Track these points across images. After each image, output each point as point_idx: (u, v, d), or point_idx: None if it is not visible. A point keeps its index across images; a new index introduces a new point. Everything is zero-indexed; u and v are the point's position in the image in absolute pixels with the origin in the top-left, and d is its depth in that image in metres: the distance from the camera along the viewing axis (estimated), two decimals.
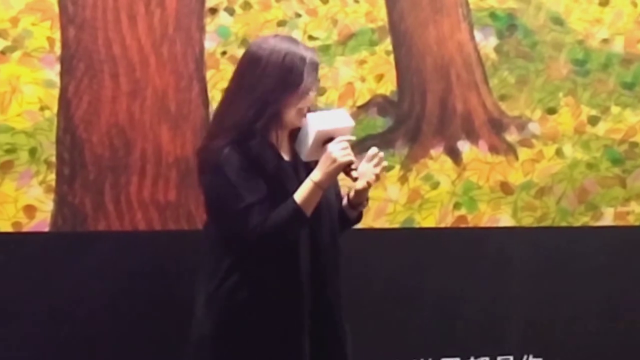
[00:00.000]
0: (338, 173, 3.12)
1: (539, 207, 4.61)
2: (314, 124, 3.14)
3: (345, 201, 3.37)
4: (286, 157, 3.24)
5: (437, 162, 4.50)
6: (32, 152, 4.04)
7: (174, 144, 4.14)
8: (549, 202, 4.62)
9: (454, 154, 4.52)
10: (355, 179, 3.12)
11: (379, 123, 4.44)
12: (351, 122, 3.16)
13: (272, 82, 3.16)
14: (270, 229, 3.07)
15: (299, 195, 3.08)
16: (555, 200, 4.62)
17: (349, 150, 3.11)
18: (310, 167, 3.19)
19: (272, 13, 4.34)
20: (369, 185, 3.20)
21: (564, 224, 4.63)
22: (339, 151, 3.08)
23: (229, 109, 3.21)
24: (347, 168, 3.11)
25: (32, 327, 3.95)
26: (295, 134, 3.24)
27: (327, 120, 3.14)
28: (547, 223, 4.61)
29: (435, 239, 4.48)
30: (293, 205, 3.07)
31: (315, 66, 3.24)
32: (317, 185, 3.07)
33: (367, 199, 3.36)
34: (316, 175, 3.09)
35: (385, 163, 3.33)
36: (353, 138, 3.21)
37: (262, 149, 3.12)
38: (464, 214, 4.52)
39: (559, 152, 4.62)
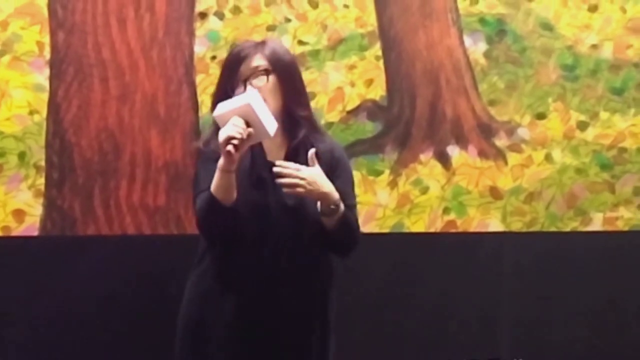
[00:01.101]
0: (226, 151, 2.98)
1: (528, 212, 4.61)
2: (215, 111, 3.08)
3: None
4: (272, 158, 3.20)
5: (427, 167, 4.50)
6: (21, 156, 4.04)
7: (163, 148, 4.14)
8: (538, 207, 4.62)
9: (444, 159, 4.52)
10: (228, 153, 2.95)
11: (369, 128, 4.45)
12: (245, 101, 3.04)
13: (217, 84, 3.23)
14: (197, 215, 3.11)
15: (212, 183, 3.07)
16: (544, 205, 4.63)
17: (233, 127, 2.96)
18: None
19: (262, 18, 4.34)
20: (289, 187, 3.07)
21: (553, 229, 4.63)
22: (222, 130, 3.01)
23: None
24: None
25: (22, 331, 3.94)
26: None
27: (225, 105, 3.06)
28: (536, 228, 4.61)
29: (424, 244, 4.48)
30: (208, 192, 3.06)
31: (232, 58, 3.19)
32: (220, 170, 3.02)
33: (332, 209, 3.13)
34: (220, 159, 3.05)
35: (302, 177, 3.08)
36: (262, 118, 3.01)
37: None
38: (454, 218, 4.53)
39: (548, 157, 4.62)
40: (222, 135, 2.96)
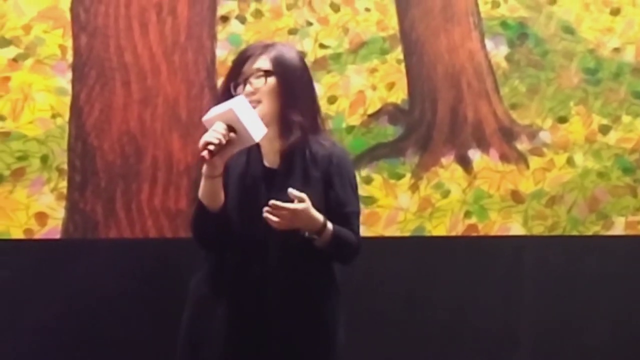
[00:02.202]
0: (200, 156, 2.97)
1: (550, 216, 4.60)
2: (204, 116, 3.07)
3: None
4: (269, 163, 3.19)
5: (448, 171, 4.50)
6: (44, 159, 4.06)
7: (184, 152, 4.15)
8: (560, 211, 4.61)
9: (465, 163, 4.52)
10: (202, 158, 2.92)
11: (390, 131, 4.44)
12: (228, 107, 3.02)
13: None
14: (190, 221, 3.14)
15: (200, 189, 3.06)
16: (566, 209, 4.61)
17: (211, 132, 2.94)
18: (308, 175, 3.15)
19: (283, 21, 4.35)
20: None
21: (574, 233, 4.62)
22: (203, 137, 3.01)
23: None
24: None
25: (44, 333, 3.96)
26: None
27: (214, 110, 3.06)
28: (558, 232, 4.60)
29: (445, 248, 4.47)
30: (198, 199, 3.07)
31: (238, 57, 3.20)
32: (204, 176, 3.03)
33: (314, 237, 3.06)
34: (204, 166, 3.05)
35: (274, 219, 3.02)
36: (246, 123, 2.97)
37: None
38: (475, 222, 4.52)
39: (569, 161, 4.61)
40: (201, 141, 2.95)
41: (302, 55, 3.36)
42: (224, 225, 3.06)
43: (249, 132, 2.99)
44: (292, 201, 2.99)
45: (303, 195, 3.01)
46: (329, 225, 3.07)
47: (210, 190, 3.03)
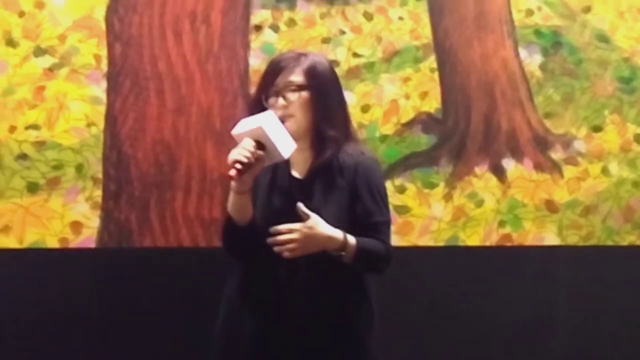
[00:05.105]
0: (228, 174, 2.98)
1: (585, 226, 4.57)
2: (234, 129, 3.06)
3: None
4: (296, 174, 3.19)
5: (482, 180, 4.48)
6: (79, 168, 4.07)
7: (218, 161, 4.15)
8: (595, 220, 4.58)
9: (499, 172, 4.50)
10: (230, 177, 2.94)
11: (423, 140, 4.43)
12: (257, 124, 3.01)
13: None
14: (221, 232, 3.14)
15: (228, 203, 3.06)
16: (601, 218, 4.59)
17: (240, 150, 2.95)
18: (332, 184, 3.14)
19: (317, 30, 4.35)
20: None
21: (609, 242, 4.59)
22: (231, 153, 2.99)
23: None
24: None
25: (81, 339, 3.96)
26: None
27: (243, 124, 3.05)
28: (592, 242, 4.57)
29: (479, 257, 4.45)
30: (226, 212, 3.06)
31: (271, 68, 3.17)
32: (233, 191, 3.03)
33: (339, 255, 3.05)
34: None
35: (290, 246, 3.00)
36: (275, 140, 2.98)
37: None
38: (509, 232, 4.50)
39: (604, 170, 4.58)
40: (229, 158, 2.95)
41: (332, 64, 3.34)
42: (253, 238, 3.04)
43: (278, 149, 2.98)
44: (302, 219, 2.98)
45: (312, 214, 2.99)
46: (351, 239, 3.04)
47: (239, 205, 3.03)
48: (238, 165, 2.92)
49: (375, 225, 3.15)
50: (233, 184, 3.00)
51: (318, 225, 3.00)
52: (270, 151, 2.99)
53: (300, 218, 2.99)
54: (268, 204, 3.12)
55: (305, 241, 2.98)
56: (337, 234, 3.02)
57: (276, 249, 2.98)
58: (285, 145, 3.00)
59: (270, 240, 2.99)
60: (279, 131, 2.99)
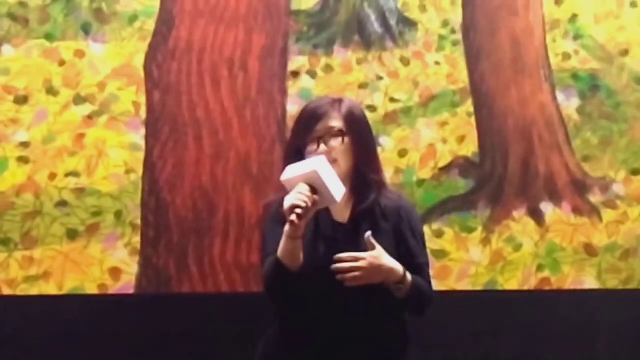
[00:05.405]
0: (290, 220, 3.01)
1: (624, 269, 4.54)
2: (283, 175, 3.06)
3: None
4: (338, 218, 3.19)
5: (520, 224, 4.46)
6: (118, 214, 4.10)
7: (256, 206, 4.16)
8: (635, 264, 4.55)
9: (537, 216, 4.48)
10: (291, 222, 2.90)
11: (461, 185, 4.43)
12: (312, 168, 3.01)
13: (289, 138, 3.20)
14: (263, 278, 3.07)
15: (279, 248, 3.06)
16: None
17: (298, 195, 2.91)
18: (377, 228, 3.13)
19: (354, 75, 4.37)
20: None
21: None
22: (287, 198, 2.99)
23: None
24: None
25: None
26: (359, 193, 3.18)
27: (293, 169, 3.05)
28: (632, 285, 4.54)
29: (518, 302, 4.43)
30: (274, 257, 3.05)
31: (309, 115, 3.14)
32: (286, 236, 3.01)
33: (398, 288, 3.03)
34: (286, 225, 3.03)
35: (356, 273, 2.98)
36: (329, 184, 2.95)
37: None
38: (548, 276, 4.48)
39: None
40: (287, 204, 2.92)
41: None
42: (301, 284, 3.04)
43: (332, 193, 2.98)
44: (365, 250, 2.99)
45: (377, 245, 3.00)
46: (408, 274, 3.05)
47: (292, 250, 3.01)
48: (298, 210, 2.93)
49: (420, 267, 3.14)
50: (288, 229, 2.98)
51: (383, 256, 3.01)
52: (323, 195, 2.99)
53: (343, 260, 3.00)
54: (314, 251, 3.10)
55: (369, 270, 2.98)
56: (399, 267, 3.02)
57: (339, 276, 2.98)
58: (338, 189, 3.01)
59: (334, 266, 2.99)
60: (331, 175, 3.00)
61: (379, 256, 3.00)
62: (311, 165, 2.98)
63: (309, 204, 2.94)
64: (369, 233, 3.00)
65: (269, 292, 3.09)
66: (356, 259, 2.98)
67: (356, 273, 2.97)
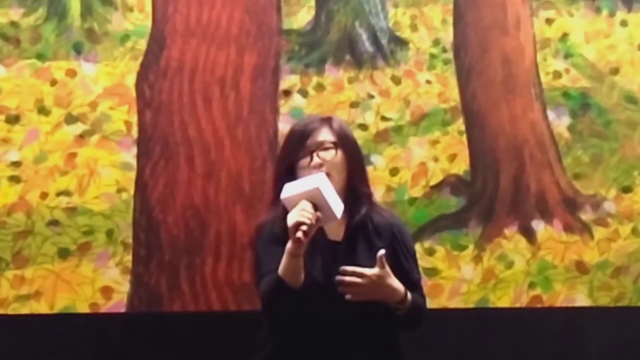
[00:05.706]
0: (296, 238, 3.02)
1: (616, 287, 4.55)
2: (283, 193, 3.07)
3: None
4: (332, 235, 3.19)
5: (511, 242, 4.47)
6: (109, 233, 4.11)
7: (248, 225, 4.17)
8: (626, 281, 4.56)
9: (529, 233, 4.49)
10: (297, 240, 2.90)
11: (452, 203, 4.44)
12: (314, 185, 3.01)
13: (278, 156, 3.22)
14: (262, 297, 3.05)
15: (280, 266, 3.05)
16: (632, 279, 4.56)
17: (302, 212, 2.91)
18: (370, 246, 3.13)
19: (345, 94, 4.39)
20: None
21: None
22: (291, 215, 3.00)
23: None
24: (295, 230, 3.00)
25: None
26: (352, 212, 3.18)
27: (293, 187, 3.05)
28: (624, 303, 4.55)
29: (510, 319, 4.43)
30: (275, 275, 3.04)
31: (299, 132, 3.15)
32: (288, 253, 3.00)
33: (398, 307, 3.05)
34: (288, 243, 3.03)
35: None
36: (330, 201, 2.96)
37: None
38: (539, 293, 4.48)
39: (634, 231, 4.56)
40: (291, 221, 2.92)
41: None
42: (300, 303, 3.04)
43: (333, 210, 2.99)
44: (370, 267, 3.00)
45: (387, 266, 3.01)
46: (409, 294, 3.06)
47: (294, 268, 2.99)
48: (304, 227, 2.93)
49: (414, 283, 3.15)
50: (291, 247, 2.98)
51: (388, 276, 3.02)
52: (325, 212, 2.99)
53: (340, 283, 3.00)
54: (311, 270, 3.11)
55: (371, 288, 2.98)
56: (401, 287, 3.03)
57: (340, 289, 2.98)
58: (337, 206, 3.02)
59: (337, 278, 2.99)
60: (331, 192, 3.00)
61: (384, 275, 3.01)
62: (313, 182, 2.98)
63: (314, 221, 2.95)
64: (382, 251, 3.01)
65: (268, 310, 3.08)
66: (362, 275, 2.99)
67: (356, 289, 2.98)
